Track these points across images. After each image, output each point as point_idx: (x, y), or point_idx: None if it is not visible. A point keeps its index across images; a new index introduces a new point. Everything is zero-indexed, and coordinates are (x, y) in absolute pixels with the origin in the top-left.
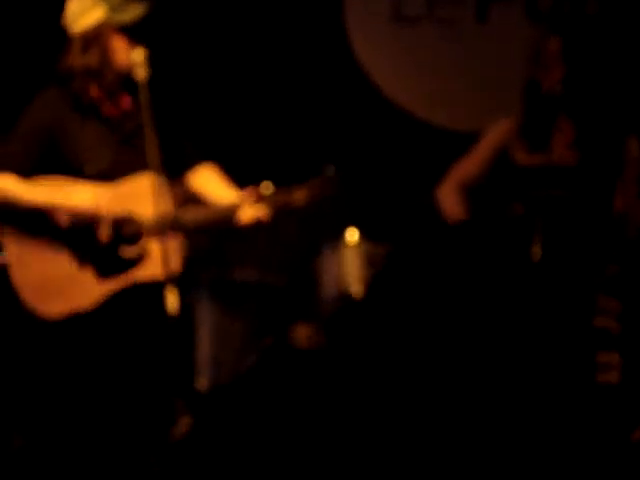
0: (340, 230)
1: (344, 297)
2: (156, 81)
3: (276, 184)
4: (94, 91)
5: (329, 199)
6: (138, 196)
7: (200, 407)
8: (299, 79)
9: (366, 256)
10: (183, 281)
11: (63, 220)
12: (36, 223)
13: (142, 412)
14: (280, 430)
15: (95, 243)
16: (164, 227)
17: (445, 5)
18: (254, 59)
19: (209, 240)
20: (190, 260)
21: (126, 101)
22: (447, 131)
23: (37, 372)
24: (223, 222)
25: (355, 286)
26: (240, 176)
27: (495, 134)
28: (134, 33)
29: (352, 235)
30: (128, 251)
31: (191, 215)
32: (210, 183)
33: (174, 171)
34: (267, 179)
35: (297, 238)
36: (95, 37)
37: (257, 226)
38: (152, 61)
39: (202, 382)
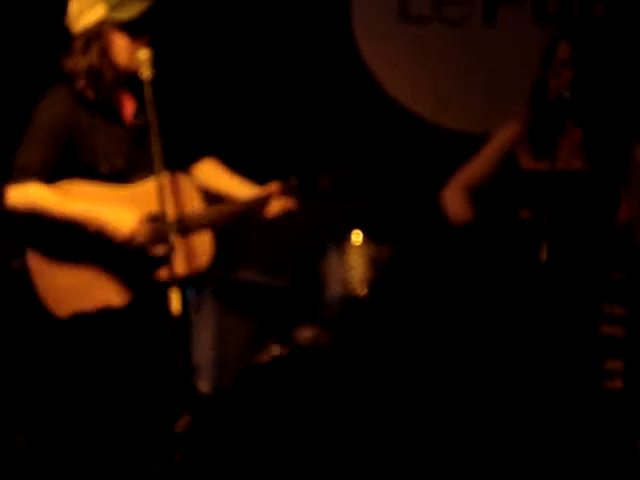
0: (345, 232)
1: (349, 298)
2: (161, 79)
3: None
4: (98, 89)
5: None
6: (161, 195)
7: (203, 409)
8: (305, 80)
9: (371, 258)
10: (187, 282)
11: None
12: (62, 227)
13: (145, 412)
14: (284, 431)
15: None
16: (192, 224)
17: (452, 6)
18: (260, 59)
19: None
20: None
21: (130, 100)
22: (453, 133)
23: (41, 372)
24: (251, 215)
25: (360, 288)
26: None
27: (502, 137)
28: (138, 32)
29: (357, 237)
30: (157, 249)
31: (217, 210)
32: (219, 176)
33: (179, 166)
34: (270, 179)
35: (302, 239)
36: (95, 36)
37: (283, 217)
38: (157, 60)
39: (205, 384)
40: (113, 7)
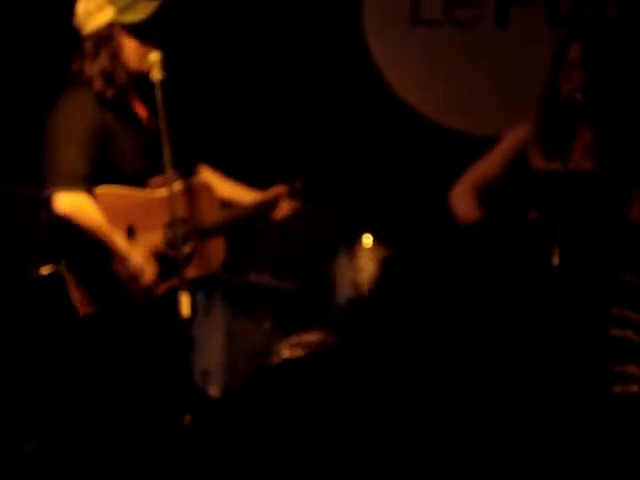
0: (355, 235)
1: (358, 301)
2: (169, 81)
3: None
4: (115, 90)
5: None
6: (180, 200)
7: (212, 412)
8: (316, 83)
9: (381, 261)
10: (197, 285)
11: None
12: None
13: (154, 416)
14: (292, 435)
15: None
16: (209, 228)
17: (464, 8)
18: (271, 61)
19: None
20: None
21: (139, 102)
22: (464, 135)
23: (49, 376)
24: (260, 217)
25: (370, 291)
26: (254, 179)
27: (512, 138)
28: (147, 33)
29: (367, 240)
30: (176, 253)
31: (232, 213)
32: (221, 183)
33: (187, 168)
34: (278, 180)
35: (312, 242)
36: (105, 39)
37: (293, 220)
38: (167, 62)
39: (214, 388)
40: (121, 9)
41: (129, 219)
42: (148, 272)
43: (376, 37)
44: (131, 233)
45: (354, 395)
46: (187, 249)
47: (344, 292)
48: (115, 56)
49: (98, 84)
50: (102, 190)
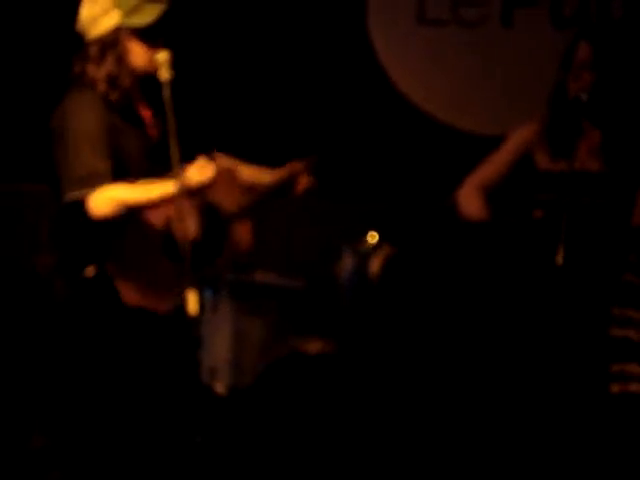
0: (361, 233)
1: (363, 300)
2: (179, 79)
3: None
4: (119, 93)
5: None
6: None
7: (219, 410)
8: (320, 82)
9: (386, 260)
10: (204, 282)
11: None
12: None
13: (161, 412)
14: (298, 435)
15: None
16: (241, 212)
17: (470, 8)
18: (276, 60)
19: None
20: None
21: (142, 101)
22: (470, 135)
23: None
24: (279, 194)
25: (376, 289)
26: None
27: (518, 138)
28: (153, 36)
29: (373, 238)
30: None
31: (251, 195)
32: (236, 166)
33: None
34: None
35: (318, 241)
36: (111, 43)
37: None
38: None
39: (221, 385)
40: (128, 13)
41: (164, 211)
42: (209, 168)
43: (381, 36)
44: (168, 224)
45: (361, 394)
46: (217, 235)
47: (349, 291)
48: (121, 60)
49: (102, 87)
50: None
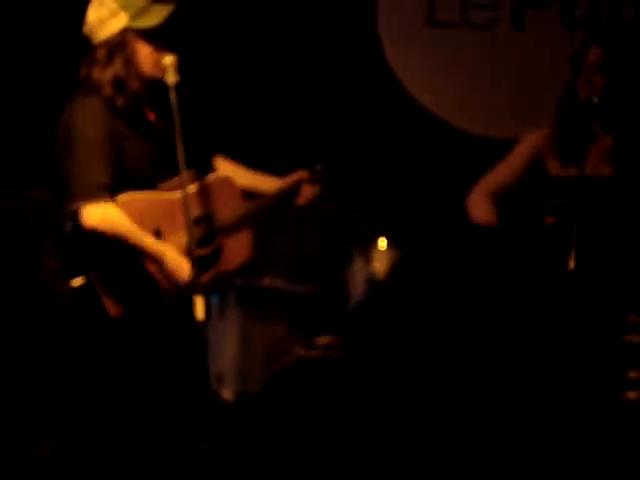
0: (370, 238)
1: (372, 304)
2: (185, 82)
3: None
4: (126, 97)
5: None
6: (200, 198)
7: (226, 417)
8: (330, 85)
9: (396, 264)
10: (212, 288)
11: None
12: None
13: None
14: (305, 441)
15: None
16: (233, 222)
17: (480, 11)
18: (286, 62)
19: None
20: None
21: (147, 105)
22: (479, 138)
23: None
24: (284, 201)
25: (384, 293)
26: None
27: (529, 143)
28: (160, 38)
29: (382, 243)
30: (204, 250)
31: (251, 204)
32: (240, 172)
33: (200, 168)
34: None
35: (326, 246)
36: (119, 45)
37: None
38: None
39: (228, 391)
40: (135, 15)
41: (154, 223)
42: (185, 267)
43: (391, 39)
44: (158, 236)
45: (368, 400)
46: (214, 246)
47: (358, 296)
48: (129, 62)
49: (108, 91)
50: (124, 198)
